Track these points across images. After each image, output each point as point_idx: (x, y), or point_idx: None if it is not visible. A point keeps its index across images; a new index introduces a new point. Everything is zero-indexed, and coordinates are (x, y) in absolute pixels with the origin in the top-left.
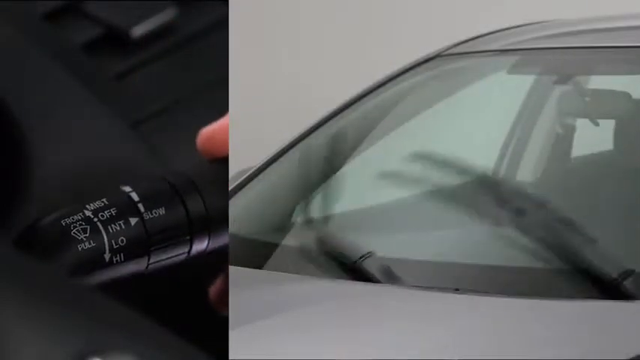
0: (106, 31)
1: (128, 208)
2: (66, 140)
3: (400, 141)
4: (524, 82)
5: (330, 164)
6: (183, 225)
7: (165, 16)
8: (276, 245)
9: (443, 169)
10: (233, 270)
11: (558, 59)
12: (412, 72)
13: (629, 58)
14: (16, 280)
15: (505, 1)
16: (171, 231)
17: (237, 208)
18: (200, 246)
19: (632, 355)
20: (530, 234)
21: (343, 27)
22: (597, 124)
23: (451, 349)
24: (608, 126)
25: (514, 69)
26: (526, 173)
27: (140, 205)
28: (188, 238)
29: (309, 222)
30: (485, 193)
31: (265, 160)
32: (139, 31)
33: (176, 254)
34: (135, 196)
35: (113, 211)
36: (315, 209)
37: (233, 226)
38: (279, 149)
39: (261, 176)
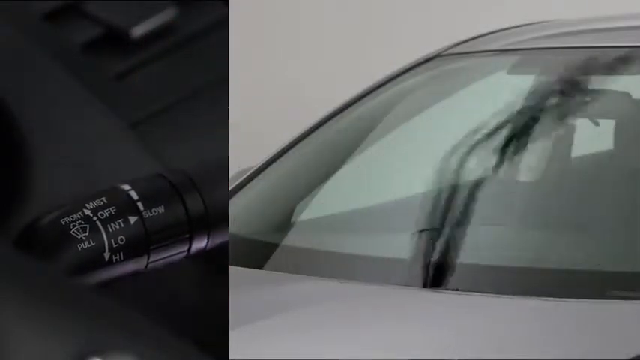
0: (106, 31)
1: (127, 206)
2: (66, 140)
3: (400, 141)
4: (524, 82)
5: (330, 164)
6: (182, 223)
7: (165, 16)
8: (276, 245)
9: None
10: (233, 270)
11: (558, 59)
12: (412, 72)
13: (629, 58)
14: (16, 280)
15: (505, 1)
16: (171, 229)
17: (237, 208)
18: (199, 244)
19: (632, 355)
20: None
21: (343, 27)
22: (597, 124)
23: (451, 349)
24: (608, 126)
25: (514, 69)
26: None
27: (139, 204)
28: (187, 236)
29: (309, 222)
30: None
31: (265, 160)
32: (139, 31)
33: (175, 253)
34: (134, 195)
35: (112, 210)
36: (315, 209)
37: (233, 225)
38: (279, 149)
39: (261, 176)
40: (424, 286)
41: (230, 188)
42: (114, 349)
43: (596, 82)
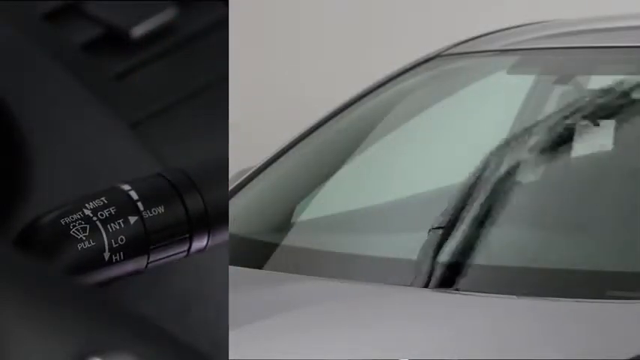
0: (106, 31)
1: (127, 206)
2: (66, 140)
3: (400, 141)
4: (524, 82)
5: (330, 164)
6: (182, 223)
7: (165, 16)
8: (276, 245)
9: None
10: (233, 270)
11: (558, 59)
12: (412, 72)
13: (629, 58)
14: (16, 280)
15: (505, 1)
16: (171, 229)
17: (237, 208)
18: (199, 244)
19: (632, 355)
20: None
21: (343, 27)
22: (597, 124)
23: (451, 349)
24: (608, 126)
25: (514, 69)
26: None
27: (139, 204)
28: (187, 236)
29: (308, 222)
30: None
31: (265, 160)
32: (139, 31)
33: (175, 253)
34: (134, 195)
35: (112, 210)
36: (315, 209)
37: (233, 225)
38: (279, 149)
39: (261, 176)
40: (424, 286)
41: (230, 188)
42: (114, 349)
43: (596, 82)
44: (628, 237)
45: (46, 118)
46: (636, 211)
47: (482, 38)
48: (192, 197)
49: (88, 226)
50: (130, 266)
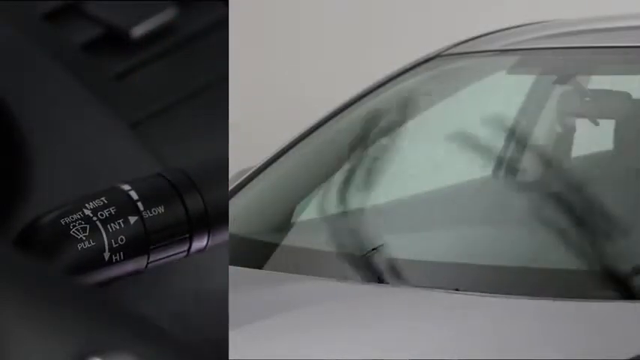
0: (106, 31)
1: (127, 206)
2: (66, 140)
3: (400, 141)
4: (524, 82)
5: (330, 164)
6: (182, 223)
7: (165, 16)
8: (276, 245)
9: None
10: (233, 270)
11: (558, 59)
12: (412, 72)
13: (629, 58)
14: (16, 280)
15: (505, 1)
16: (171, 229)
17: (237, 208)
18: (199, 244)
19: (632, 355)
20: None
21: (343, 27)
22: (597, 124)
23: (451, 349)
24: (608, 126)
25: (514, 69)
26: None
27: (139, 204)
28: (187, 236)
29: (308, 222)
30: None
31: (265, 160)
32: (139, 31)
33: (175, 252)
34: (134, 195)
35: (112, 210)
36: (315, 209)
37: (233, 225)
38: (279, 149)
39: (261, 176)
40: (424, 286)
41: (230, 188)
42: (114, 349)
43: (596, 82)
44: (628, 237)
45: (46, 118)
46: (636, 211)
47: (482, 38)
48: (192, 197)
49: (88, 226)
50: (130, 266)
